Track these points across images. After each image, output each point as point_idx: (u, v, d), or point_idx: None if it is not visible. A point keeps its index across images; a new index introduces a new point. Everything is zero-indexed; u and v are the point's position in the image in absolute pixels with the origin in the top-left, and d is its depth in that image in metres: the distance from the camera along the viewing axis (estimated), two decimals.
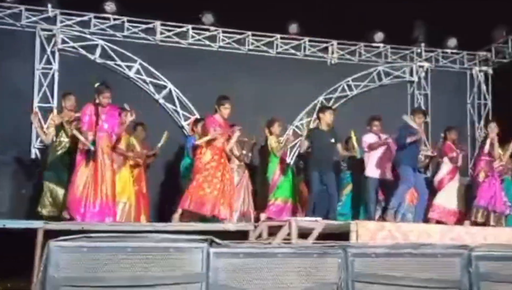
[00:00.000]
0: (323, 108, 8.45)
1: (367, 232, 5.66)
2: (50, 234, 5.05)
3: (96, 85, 7.03)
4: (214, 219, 7.18)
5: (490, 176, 8.10)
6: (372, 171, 8.19)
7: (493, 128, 8.18)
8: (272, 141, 8.63)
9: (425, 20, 11.09)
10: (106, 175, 6.78)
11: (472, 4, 9.42)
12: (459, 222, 8.29)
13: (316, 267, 3.66)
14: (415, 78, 11.55)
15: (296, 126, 10.64)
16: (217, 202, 7.06)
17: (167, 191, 9.08)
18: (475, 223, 7.84)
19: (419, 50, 11.57)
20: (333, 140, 7.94)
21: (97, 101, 6.91)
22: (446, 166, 8.81)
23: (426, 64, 11.59)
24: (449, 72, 11.78)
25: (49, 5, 9.61)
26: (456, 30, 11.14)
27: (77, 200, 6.69)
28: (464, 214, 8.45)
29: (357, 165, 8.62)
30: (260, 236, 6.50)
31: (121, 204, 7.58)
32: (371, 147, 8.23)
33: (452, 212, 8.67)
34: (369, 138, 8.39)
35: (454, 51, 11.76)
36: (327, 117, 7.97)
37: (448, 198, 8.70)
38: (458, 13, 9.68)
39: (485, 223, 7.84)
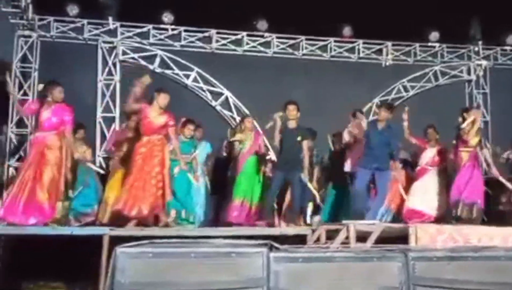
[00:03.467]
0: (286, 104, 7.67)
1: (427, 236, 5.61)
2: (116, 240, 5.26)
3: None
4: None
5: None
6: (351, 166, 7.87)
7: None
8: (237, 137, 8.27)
9: (482, 17, 10.84)
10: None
11: None
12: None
13: (376, 271, 3.65)
14: (473, 77, 11.33)
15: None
16: None
17: None
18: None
19: (476, 48, 11.34)
20: (299, 138, 7.43)
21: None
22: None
23: (484, 63, 11.35)
24: (509, 70, 11.49)
25: (110, 18, 9.98)
26: None
27: None
28: None
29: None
30: (318, 240, 6.52)
31: None
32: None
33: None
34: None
35: None
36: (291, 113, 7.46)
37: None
38: None
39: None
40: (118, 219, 6.65)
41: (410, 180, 8.57)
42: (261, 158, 8.20)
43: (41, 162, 6.35)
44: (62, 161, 6.51)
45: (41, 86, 6.79)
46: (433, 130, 8.48)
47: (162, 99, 6.72)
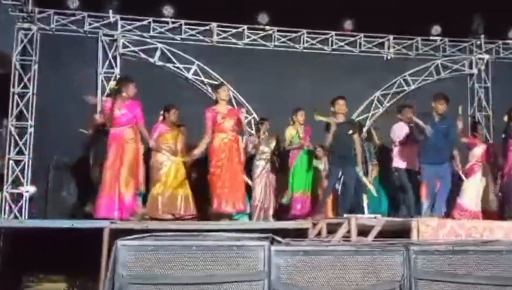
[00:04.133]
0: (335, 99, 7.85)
1: (429, 229, 5.60)
2: (116, 233, 5.25)
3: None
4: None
5: None
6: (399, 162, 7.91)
7: None
8: (287, 132, 8.55)
9: (484, 11, 10.79)
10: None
11: None
12: None
13: (378, 264, 3.65)
14: (475, 71, 11.29)
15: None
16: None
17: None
18: None
19: (478, 42, 11.29)
20: (350, 132, 7.61)
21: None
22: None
23: (486, 56, 11.30)
24: (511, 64, 11.44)
25: (110, 11, 9.92)
26: None
27: None
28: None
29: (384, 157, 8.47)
30: (319, 233, 6.52)
31: (179, 197, 7.82)
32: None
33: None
34: (399, 128, 8.04)
35: None
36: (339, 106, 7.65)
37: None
38: None
39: None
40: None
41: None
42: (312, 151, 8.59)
43: (122, 157, 6.71)
44: (139, 154, 7.02)
45: (113, 83, 6.96)
46: (480, 126, 8.61)
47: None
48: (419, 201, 7.30)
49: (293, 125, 8.55)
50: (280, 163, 8.73)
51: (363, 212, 7.55)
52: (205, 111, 7.34)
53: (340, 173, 7.57)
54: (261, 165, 8.47)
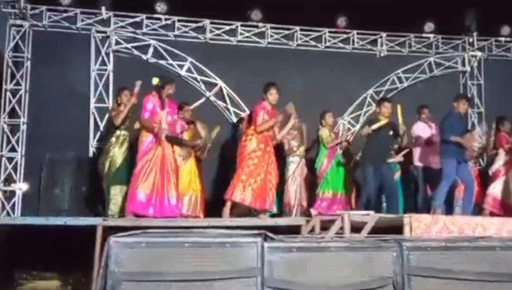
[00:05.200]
0: (381, 100, 8.41)
1: (421, 226, 5.62)
2: (109, 231, 5.24)
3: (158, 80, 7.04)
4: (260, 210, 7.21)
5: None
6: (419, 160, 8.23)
7: None
8: (323, 133, 8.68)
9: (477, 8, 10.81)
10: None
11: None
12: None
13: (370, 261, 3.66)
14: (468, 68, 11.32)
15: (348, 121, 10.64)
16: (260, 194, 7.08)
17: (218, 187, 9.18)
18: None
19: (471, 40, 11.31)
20: (391, 133, 7.90)
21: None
22: (502, 158, 8.61)
23: (478, 54, 11.33)
24: (503, 61, 11.48)
25: (103, 8, 9.88)
26: (509, 17, 10.84)
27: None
28: None
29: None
30: (312, 230, 6.53)
31: (187, 197, 7.80)
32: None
33: (505, 204, 8.47)
34: (419, 128, 8.40)
35: (508, 39, 11.44)
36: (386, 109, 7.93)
37: (502, 190, 8.51)
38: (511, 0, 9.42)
39: None
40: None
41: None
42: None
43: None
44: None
45: (156, 79, 6.89)
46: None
47: None
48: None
49: (325, 126, 8.87)
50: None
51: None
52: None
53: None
54: (296, 161, 8.62)
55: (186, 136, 8.07)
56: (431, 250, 3.77)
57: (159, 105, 6.80)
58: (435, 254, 3.75)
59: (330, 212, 8.17)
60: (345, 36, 10.91)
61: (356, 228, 5.90)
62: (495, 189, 8.52)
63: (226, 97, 10.27)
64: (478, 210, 8.32)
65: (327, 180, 8.69)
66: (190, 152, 7.97)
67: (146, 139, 6.72)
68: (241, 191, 6.97)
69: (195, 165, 8.07)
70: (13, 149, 9.39)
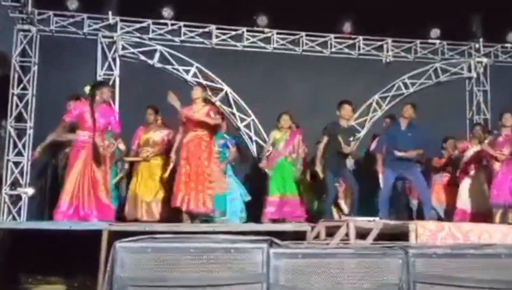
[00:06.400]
0: (341, 102, 8.06)
1: (426, 232, 5.60)
2: (115, 235, 5.25)
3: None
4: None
5: None
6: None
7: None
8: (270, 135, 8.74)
9: (483, 14, 10.80)
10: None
11: None
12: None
13: (376, 267, 3.65)
14: (474, 74, 11.30)
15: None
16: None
17: None
18: None
19: (477, 46, 11.30)
20: (351, 138, 7.89)
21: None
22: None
23: (485, 60, 11.31)
24: (509, 67, 11.45)
25: (110, 13, 9.93)
26: None
27: None
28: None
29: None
30: (317, 236, 6.51)
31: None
32: None
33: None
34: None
35: None
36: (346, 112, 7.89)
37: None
38: None
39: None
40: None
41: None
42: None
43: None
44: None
45: (88, 87, 6.87)
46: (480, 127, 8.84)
47: None
48: None
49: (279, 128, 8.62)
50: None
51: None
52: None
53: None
54: None
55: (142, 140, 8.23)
56: (436, 257, 3.76)
57: (89, 111, 6.76)
58: (440, 261, 3.74)
59: (278, 216, 8.18)
60: (351, 41, 10.92)
61: (361, 234, 5.89)
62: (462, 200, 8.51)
63: (232, 102, 10.29)
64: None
65: (271, 185, 8.42)
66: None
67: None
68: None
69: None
70: (19, 154, 9.44)
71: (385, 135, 8.10)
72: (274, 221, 8.14)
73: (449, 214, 8.64)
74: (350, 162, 8.58)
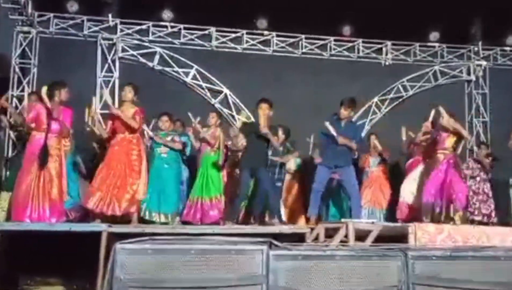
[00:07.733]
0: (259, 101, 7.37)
1: (426, 235, 5.61)
2: (114, 237, 5.25)
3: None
4: None
5: None
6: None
7: None
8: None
9: (482, 17, 10.82)
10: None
11: None
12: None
13: (375, 269, 3.67)
14: (473, 77, 11.34)
15: None
16: None
17: None
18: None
19: (476, 49, 11.34)
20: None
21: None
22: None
23: (483, 63, 11.35)
24: (508, 70, 11.49)
25: (110, 15, 9.95)
26: None
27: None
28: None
29: None
30: (316, 238, 6.51)
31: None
32: None
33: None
34: None
35: None
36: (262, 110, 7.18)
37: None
38: None
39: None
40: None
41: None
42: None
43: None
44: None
45: (45, 88, 6.72)
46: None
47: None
48: None
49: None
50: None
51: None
52: None
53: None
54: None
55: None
56: (436, 259, 3.77)
57: (45, 113, 6.53)
58: (440, 263, 3.76)
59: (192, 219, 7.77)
60: (350, 44, 10.94)
61: (360, 236, 5.89)
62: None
63: (231, 104, 10.30)
64: None
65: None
66: None
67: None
68: None
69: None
70: (18, 155, 9.41)
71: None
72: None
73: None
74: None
